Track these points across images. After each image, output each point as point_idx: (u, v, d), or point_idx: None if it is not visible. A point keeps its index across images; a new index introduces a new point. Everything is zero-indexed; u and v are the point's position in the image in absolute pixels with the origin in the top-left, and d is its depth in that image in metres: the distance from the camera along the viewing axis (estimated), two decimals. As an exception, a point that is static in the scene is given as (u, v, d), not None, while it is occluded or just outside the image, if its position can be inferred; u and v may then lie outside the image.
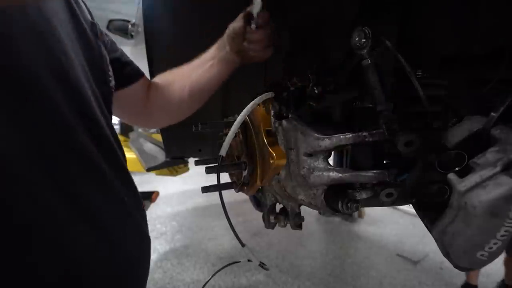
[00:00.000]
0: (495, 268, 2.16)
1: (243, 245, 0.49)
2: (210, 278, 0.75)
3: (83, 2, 0.54)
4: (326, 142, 0.45)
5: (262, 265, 0.52)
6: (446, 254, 0.45)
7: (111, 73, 0.55)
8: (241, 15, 0.58)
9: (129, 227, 0.47)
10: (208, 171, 0.58)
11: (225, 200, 0.48)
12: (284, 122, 0.50)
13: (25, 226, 0.34)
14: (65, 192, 0.37)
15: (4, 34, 0.33)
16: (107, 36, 0.61)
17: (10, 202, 0.33)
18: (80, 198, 0.39)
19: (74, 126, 0.39)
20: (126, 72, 0.64)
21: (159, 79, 0.71)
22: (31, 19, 0.36)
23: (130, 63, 0.66)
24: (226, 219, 0.48)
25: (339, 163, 0.60)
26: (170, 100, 0.68)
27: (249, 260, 0.53)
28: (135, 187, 0.52)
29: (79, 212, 0.38)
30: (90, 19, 0.52)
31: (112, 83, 0.55)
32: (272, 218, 0.64)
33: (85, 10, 0.53)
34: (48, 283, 0.36)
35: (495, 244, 0.40)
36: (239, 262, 0.60)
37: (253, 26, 0.56)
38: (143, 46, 0.91)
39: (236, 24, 0.58)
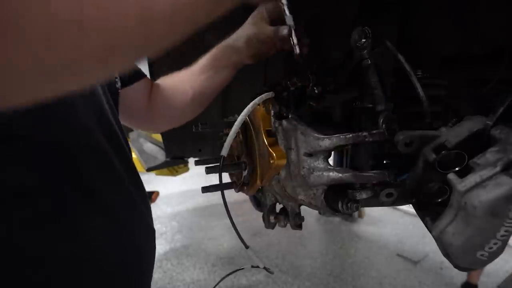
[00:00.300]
0: (495, 268, 2.16)
1: (247, 247, 0.48)
2: (219, 282, 0.75)
3: None
4: (326, 142, 0.45)
5: (267, 269, 0.52)
6: (446, 254, 0.45)
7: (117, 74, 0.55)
8: (262, 20, 0.54)
9: (137, 219, 0.49)
10: (208, 171, 0.58)
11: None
12: (284, 122, 0.50)
13: (48, 216, 0.36)
14: (83, 187, 0.40)
15: None
16: None
17: (35, 195, 0.35)
18: (96, 193, 0.41)
19: (91, 127, 0.41)
20: (126, 72, 0.63)
21: (161, 83, 0.71)
22: None
23: None
24: (226, 219, 0.48)
25: (339, 163, 0.60)
26: (173, 104, 0.68)
27: (253, 266, 0.52)
28: (141, 182, 0.54)
29: (95, 206, 0.41)
30: None
31: (118, 83, 0.56)
32: (272, 218, 0.64)
33: None
34: (67, 274, 0.38)
35: (495, 244, 0.40)
36: (243, 269, 0.60)
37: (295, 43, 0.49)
38: (143, 46, 0.91)
39: (261, 31, 0.54)
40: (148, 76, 0.71)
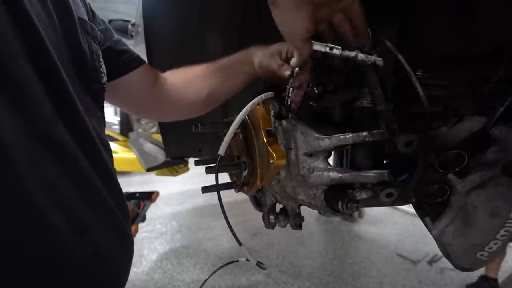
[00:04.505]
0: None
1: (240, 244, 0.49)
2: (207, 278, 0.75)
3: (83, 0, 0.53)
4: (326, 142, 0.45)
5: (259, 264, 0.52)
6: (446, 254, 0.45)
7: (103, 69, 0.53)
8: (279, 53, 0.55)
9: (106, 223, 0.46)
10: (208, 171, 0.58)
11: (225, 200, 0.48)
12: (284, 122, 0.50)
13: (6, 212, 0.34)
14: (43, 182, 0.37)
15: None
16: (102, 23, 0.59)
17: None
18: (57, 189, 0.39)
19: (52, 119, 0.39)
20: (121, 61, 0.62)
21: (175, 74, 0.71)
22: (10, 13, 0.35)
23: (125, 52, 0.63)
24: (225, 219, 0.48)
25: (339, 163, 0.60)
26: (185, 98, 0.68)
27: (247, 260, 0.53)
28: (117, 184, 0.51)
29: (55, 203, 0.38)
30: (79, 15, 0.50)
31: (104, 79, 0.53)
32: (272, 218, 0.64)
33: (81, 6, 0.51)
34: (19, 278, 0.36)
35: (495, 244, 0.40)
36: (238, 261, 0.60)
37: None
38: (143, 46, 0.91)
39: (271, 62, 0.55)
40: None
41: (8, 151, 0.34)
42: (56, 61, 0.39)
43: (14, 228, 0.35)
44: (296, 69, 0.49)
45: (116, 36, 0.63)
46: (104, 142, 0.50)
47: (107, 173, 0.48)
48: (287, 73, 0.50)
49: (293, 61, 0.49)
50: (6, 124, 0.34)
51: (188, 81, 0.69)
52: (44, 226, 0.37)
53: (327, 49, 0.43)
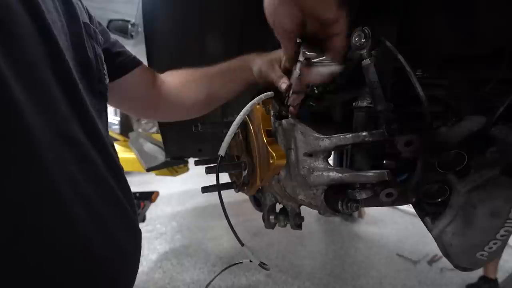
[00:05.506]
0: None
1: (242, 244, 0.49)
2: (211, 281, 0.75)
3: (80, 2, 0.54)
4: (326, 142, 0.45)
5: (262, 265, 0.52)
6: (446, 254, 0.45)
7: (105, 71, 0.55)
8: (277, 62, 0.56)
9: (119, 217, 0.48)
10: (208, 171, 0.58)
11: (225, 200, 0.48)
12: (284, 122, 0.50)
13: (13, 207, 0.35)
14: (66, 177, 0.39)
15: (10, 30, 0.35)
16: (99, 26, 0.60)
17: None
18: (78, 184, 0.41)
19: (69, 120, 0.41)
20: (117, 63, 0.63)
21: (173, 76, 0.71)
22: (33, 20, 0.38)
23: (121, 54, 0.64)
24: (226, 219, 0.48)
25: (339, 163, 0.60)
26: (182, 100, 0.69)
27: (250, 261, 0.53)
28: (125, 180, 0.53)
29: (77, 196, 0.41)
30: (83, 20, 0.52)
31: (107, 80, 0.55)
32: (272, 218, 0.64)
33: (83, 11, 0.53)
34: (39, 269, 0.37)
35: (495, 244, 0.40)
36: (241, 262, 0.60)
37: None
38: (143, 46, 0.91)
39: (269, 71, 0.56)
40: None
41: (38, 148, 0.37)
42: (69, 65, 0.42)
43: (42, 218, 0.37)
44: (298, 75, 0.49)
45: (113, 38, 0.64)
46: (110, 141, 0.51)
47: (117, 171, 0.50)
48: (283, 86, 0.51)
49: (296, 73, 0.49)
50: (35, 123, 0.37)
51: (186, 83, 0.70)
52: (68, 217, 0.39)
53: (316, 58, 0.43)
